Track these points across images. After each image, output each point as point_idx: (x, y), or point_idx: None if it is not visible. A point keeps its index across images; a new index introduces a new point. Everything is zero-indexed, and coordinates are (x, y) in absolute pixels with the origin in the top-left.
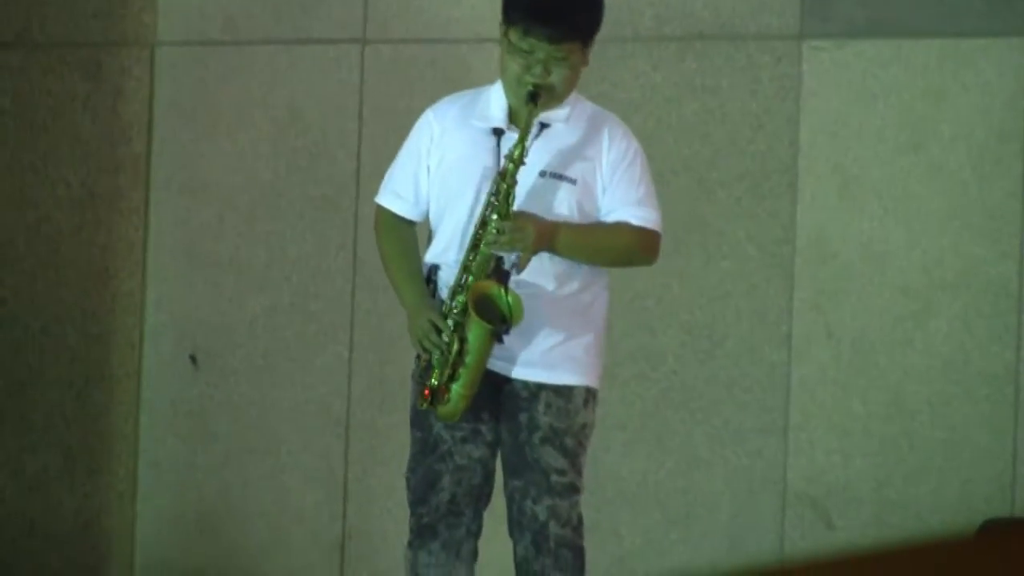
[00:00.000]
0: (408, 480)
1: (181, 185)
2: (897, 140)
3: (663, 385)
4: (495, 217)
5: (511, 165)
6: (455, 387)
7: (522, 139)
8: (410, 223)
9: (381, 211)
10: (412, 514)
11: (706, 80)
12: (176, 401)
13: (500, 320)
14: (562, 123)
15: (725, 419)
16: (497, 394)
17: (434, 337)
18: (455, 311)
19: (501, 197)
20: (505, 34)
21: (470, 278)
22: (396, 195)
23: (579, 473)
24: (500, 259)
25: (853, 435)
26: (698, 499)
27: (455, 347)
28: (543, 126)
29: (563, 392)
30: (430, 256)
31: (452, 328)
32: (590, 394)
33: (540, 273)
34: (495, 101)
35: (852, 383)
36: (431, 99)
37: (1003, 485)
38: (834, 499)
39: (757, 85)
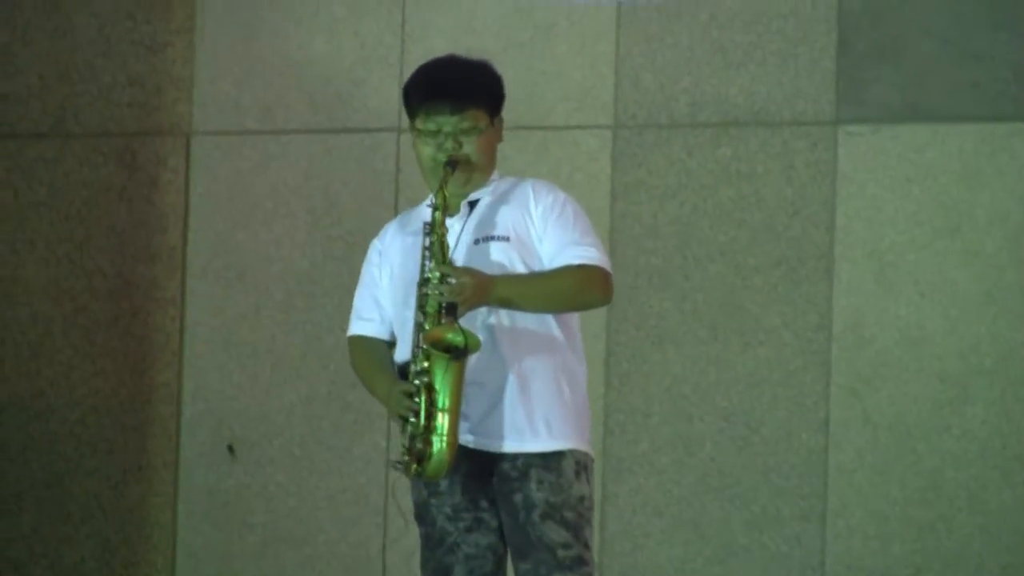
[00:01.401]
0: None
1: (217, 274)
2: (933, 224)
3: (700, 471)
4: (431, 265)
5: (436, 213)
6: (435, 437)
7: (441, 188)
8: (380, 341)
9: (351, 341)
10: None
11: (741, 166)
12: (213, 491)
13: (456, 348)
14: (488, 197)
15: (763, 506)
16: (489, 479)
17: (406, 401)
18: (419, 366)
19: (435, 247)
20: (412, 128)
21: (420, 354)
22: (362, 320)
23: (586, 546)
24: (451, 307)
25: (891, 521)
26: None
27: (424, 398)
28: (471, 205)
29: (551, 465)
30: (398, 360)
31: (418, 385)
32: (580, 465)
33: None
34: (425, 206)
35: (890, 469)
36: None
37: None
38: None
39: (792, 171)
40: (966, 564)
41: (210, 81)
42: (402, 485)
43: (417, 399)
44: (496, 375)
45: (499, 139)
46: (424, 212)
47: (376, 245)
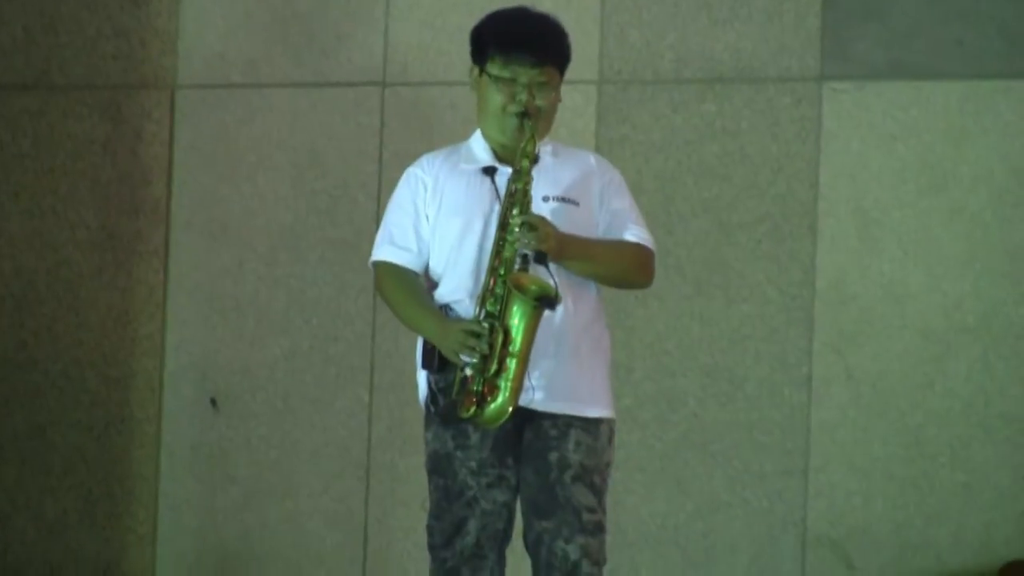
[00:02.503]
0: (431, 527)
1: (201, 228)
2: (917, 182)
3: (683, 427)
4: (516, 212)
5: (525, 161)
6: (502, 381)
7: (532, 136)
8: (415, 273)
9: (383, 267)
10: (434, 559)
11: (726, 122)
12: (196, 444)
13: (547, 297)
14: (549, 156)
15: (745, 461)
16: (520, 437)
17: (472, 340)
18: (489, 309)
19: (519, 195)
20: (480, 74)
21: (499, 280)
22: (398, 248)
23: (604, 512)
24: (526, 257)
25: (873, 477)
26: (718, 542)
27: (500, 338)
28: (533, 162)
29: (591, 429)
30: (439, 298)
31: (489, 325)
32: (612, 431)
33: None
34: (477, 147)
35: (872, 425)
36: (451, 141)
37: (1023, 527)
38: (854, 541)
39: (777, 127)
40: (948, 521)
41: (195, 34)
42: (378, 432)
43: (487, 340)
44: (551, 340)
45: (559, 100)
46: (476, 150)
47: (419, 175)
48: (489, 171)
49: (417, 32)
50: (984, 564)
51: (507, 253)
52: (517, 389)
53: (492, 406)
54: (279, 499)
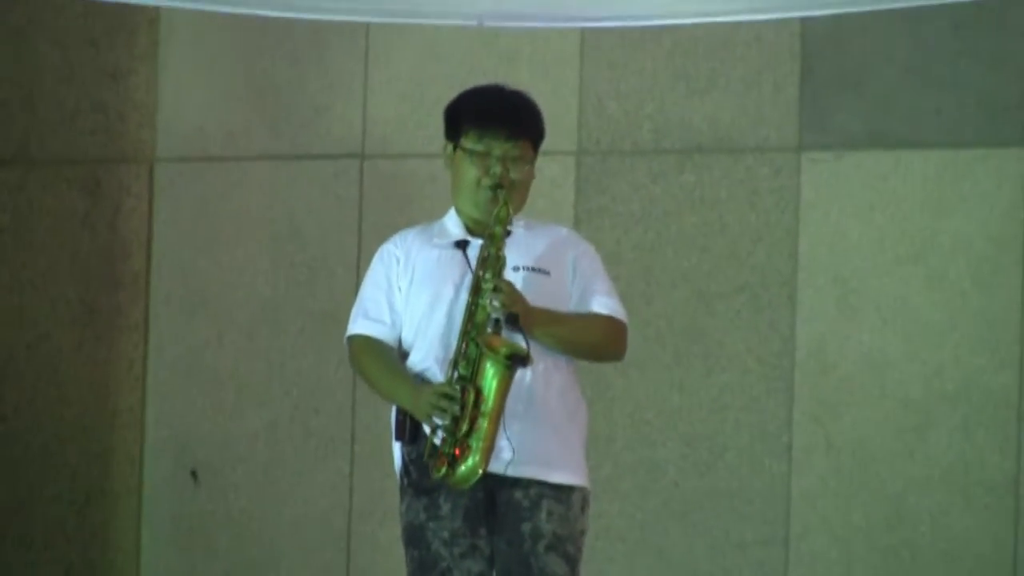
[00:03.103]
0: None
1: (181, 301)
2: (896, 251)
3: (663, 497)
4: (489, 277)
5: (498, 227)
6: (475, 441)
7: (505, 202)
8: (388, 345)
9: (357, 340)
10: None
11: (705, 192)
12: (177, 516)
13: (519, 356)
14: (522, 229)
15: (726, 531)
16: (493, 507)
17: (444, 402)
18: (461, 372)
19: (491, 260)
20: (455, 149)
21: (471, 342)
22: (372, 321)
23: None
24: (498, 322)
25: (854, 546)
26: None
27: (471, 398)
28: (505, 233)
29: (563, 499)
30: (411, 366)
31: (460, 387)
32: (584, 501)
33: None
34: (451, 223)
35: (853, 494)
36: (430, 213)
37: None
38: None
39: (756, 197)
40: None
41: (173, 108)
42: (359, 504)
43: (459, 401)
44: (521, 402)
45: (532, 176)
46: (449, 226)
47: (392, 251)
48: (461, 244)
49: (396, 105)
50: None
51: (479, 317)
52: (488, 449)
53: (463, 467)
54: (260, 571)
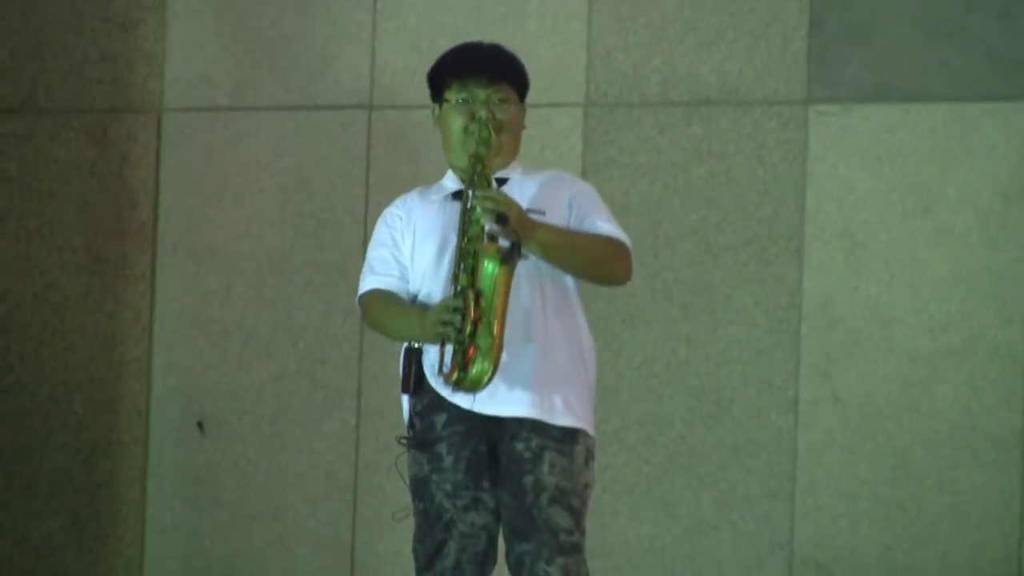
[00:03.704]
0: (415, 551)
1: (188, 251)
2: (903, 204)
3: (670, 450)
4: (478, 193)
5: (481, 148)
6: (482, 339)
7: (486, 124)
8: (397, 293)
9: (369, 297)
10: None
11: (712, 145)
12: (183, 467)
13: (512, 245)
14: (517, 175)
15: (732, 484)
16: (494, 458)
17: (447, 314)
18: (461, 283)
19: (479, 176)
20: (440, 106)
21: (468, 257)
22: (380, 276)
23: (583, 533)
24: (493, 237)
25: (860, 500)
26: (705, 564)
27: (472, 298)
28: (500, 181)
29: (565, 451)
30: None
31: (461, 292)
32: (589, 452)
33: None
34: (447, 180)
35: (859, 448)
36: (437, 164)
37: (1010, 550)
38: (841, 564)
39: (763, 150)
40: (935, 544)
41: (181, 58)
42: (365, 456)
43: (462, 310)
44: (523, 343)
45: (523, 126)
46: (445, 183)
47: (395, 211)
48: (459, 195)
49: (404, 55)
50: None
51: (473, 231)
52: (498, 347)
53: (475, 368)
54: (266, 522)
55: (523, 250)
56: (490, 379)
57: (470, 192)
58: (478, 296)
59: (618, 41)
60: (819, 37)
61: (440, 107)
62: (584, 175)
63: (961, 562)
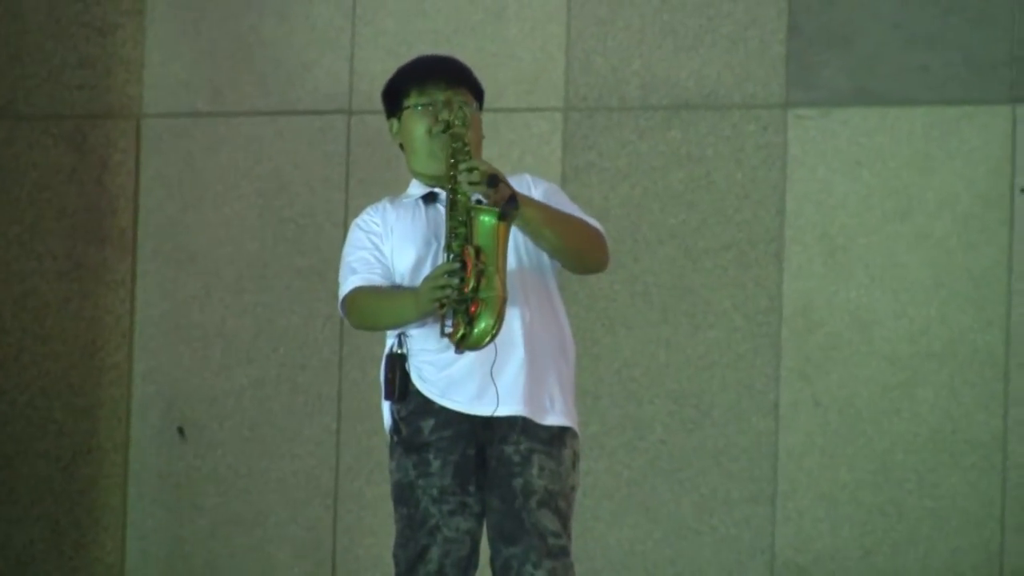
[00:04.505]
0: (396, 556)
1: (168, 256)
2: (883, 208)
3: (651, 454)
4: (462, 166)
5: (457, 124)
6: (484, 293)
7: (460, 106)
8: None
9: (353, 293)
10: None
11: (691, 149)
12: (164, 473)
13: (511, 199)
14: None
15: (712, 488)
16: (483, 464)
17: (444, 278)
18: (455, 249)
19: (460, 152)
20: (399, 117)
21: (460, 226)
22: (362, 275)
23: (570, 536)
24: (480, 202)
25: (840, 504)
26: (686, 568)
27: (472, 253)
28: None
29: (554, 454)
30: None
31: (459, 253)
32: (576, 455)
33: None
34: (413, 188)
35: (839, 452)
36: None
37: (991, 553)
38: (822, 568)
39: (742, 154)
40: (915, 547)
41: (160, 63)
42: (346, 461)
43: (460, 272)
44: (507, 341)
45: (482, 133)
46: (412, 191)
47: (368, 218)
48: (429, 198)
49: (383, 60)
50: None
51: (461, 200)
52: (501, 301)
53: (480, 325)
54: (247, 528)
55: (518, 204)
56: (496, 332)
57: (456, 166)
58: (478, 251)
59: (597, 45)
60: (798, 41)
61: (399, 119)
62: (564, 179)
63: (941, 566)
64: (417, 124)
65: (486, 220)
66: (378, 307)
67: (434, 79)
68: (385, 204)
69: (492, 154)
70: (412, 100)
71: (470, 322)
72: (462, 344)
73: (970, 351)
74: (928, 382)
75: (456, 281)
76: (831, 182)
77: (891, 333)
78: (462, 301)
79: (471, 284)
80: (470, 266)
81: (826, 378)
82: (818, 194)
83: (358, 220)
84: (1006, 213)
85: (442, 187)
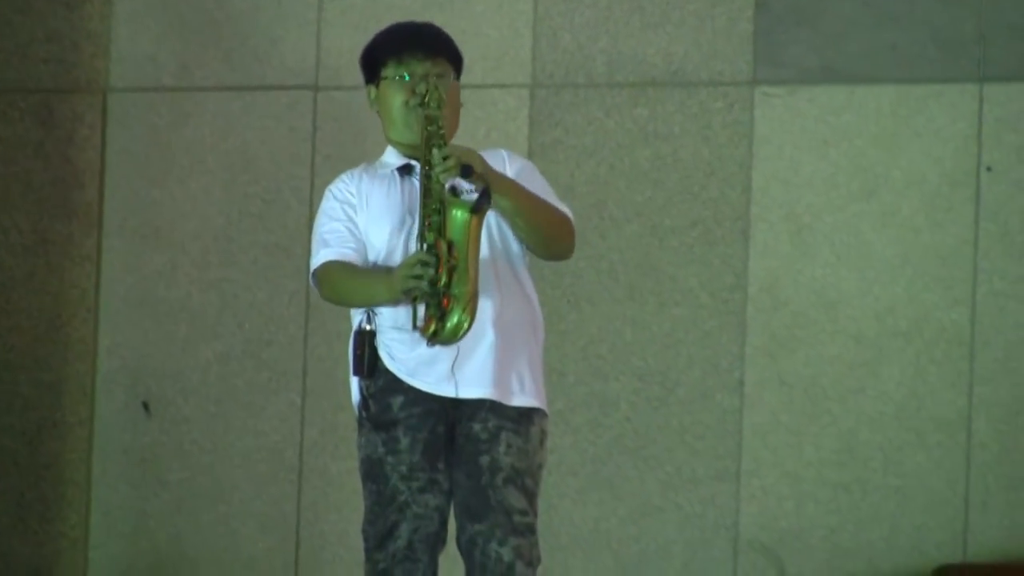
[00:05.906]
0: (365, 532)
1: (133, 231)
2: (849, 186)
3: (616, 432)
4: (436, 152)
5: (432, 105)
6: (457, 288)
7: (435, 87)
8: (354, 263)
9: (325, 269)
10: (368, 561)
11: (658, 126)
12: (128, 448)
13: (483, 192)
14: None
15: (677, 466)
16: (450, 440)
17: (418, 268)
18: (428, 240)
19: (436, 137)
20: (377, 86)
21: (433, 214)
22: (334, 248)
23: (536, 514)
24: (454, 189)
25: (806, 481)
26: (651, 546)
27: (444, 248)
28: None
29: (521, 431)
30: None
31: (431, 245)
32: (544, 433)
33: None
34: (389, 156)
35: (804, 430)
36: (382, 145)
37: (955, 531)
38: (786, 546)
39: (709, 131)
40: (880, 525)
41: (127, 38)
42: (310, 436)
43: (433, 263)
44: (477, 326)
45: (460, 103)
46: (388, 159)
47: (342, 187)
48: (405, 169)
49: (350, 36)
50: (916, 568)
51: (435, 188)
52: (473, 296)
53: (452, 320)
54: (211, 503)
55: (491, 196)
56: (468, 329)
57: (430, 151)
58: (450, 245)
59: (564, 22)
60: (765, 18)
61: (377, 87)
62: (530, 156)
63: (906, 544)
64: (394, 95)
65: (459, 215)
66: (351, 286)
67: (411, 50)
68: (361, 172)
69: (460, 131)
70: (390, 71)
71: (442, 317)
72: (434, 340)
73: (936, 329)
74: (894, 360)
75: (430, 271)
76: (798, 160)
77: (857, 311)
78: (434, 294)
79: (443, 279)
80: (442, 262)
81: (791, 356)
82: (785, 172)
83: (332, 188)
84: (972, 192)
85: (418, 159)
